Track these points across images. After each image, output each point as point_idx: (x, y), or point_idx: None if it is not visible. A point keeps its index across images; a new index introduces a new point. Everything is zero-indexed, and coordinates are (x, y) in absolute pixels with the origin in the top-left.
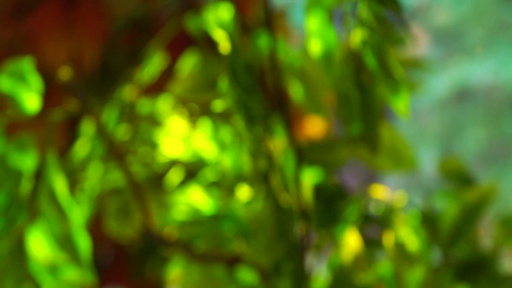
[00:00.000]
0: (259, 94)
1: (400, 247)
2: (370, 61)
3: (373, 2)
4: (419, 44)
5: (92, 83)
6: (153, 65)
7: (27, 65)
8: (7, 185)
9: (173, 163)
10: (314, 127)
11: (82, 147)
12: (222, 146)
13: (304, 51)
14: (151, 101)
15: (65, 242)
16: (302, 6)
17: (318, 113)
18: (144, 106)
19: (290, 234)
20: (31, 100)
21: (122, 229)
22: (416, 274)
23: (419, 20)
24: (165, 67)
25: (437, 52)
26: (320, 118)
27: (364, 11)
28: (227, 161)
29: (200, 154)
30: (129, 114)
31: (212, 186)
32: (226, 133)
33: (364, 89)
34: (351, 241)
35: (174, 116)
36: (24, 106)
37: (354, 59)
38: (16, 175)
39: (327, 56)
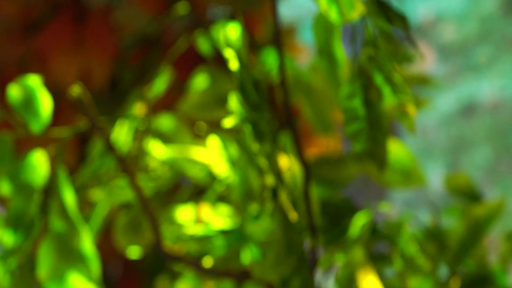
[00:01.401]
0: (268, 110)
1: (407, 263)
2: (377, 77)
3: (380, 19)
4: (426, 60)
5: (102, 99)
6: (162, 82)
7: (36, 82)
8: (18, 201)
9: (182, 178)
10: (323, 143)
11: (92, 164)
12: (230, 162)
13: (313, 68)
14: (161, 118)
15: (74, 257)
16: (311, 23)
17: (325, 131)
18: (154, 123)
19: (299, 249)
20: (40, 117)
21: (132, 244)
22: None
23: (426, 37)
24: (175, 84)
25: (443, 69)
26: (328, 135)
27: (371, 28)
28: (236, 177)
29: (209, 170)
30: (138, 131)
31: (221, 202)
32: (234, 149)
33: (371, 106)
34: (359, 257)
35: (183, 132)
36: (34, 123)
37: (362, 75)
38: (27, 191)
39: (334, 73)
